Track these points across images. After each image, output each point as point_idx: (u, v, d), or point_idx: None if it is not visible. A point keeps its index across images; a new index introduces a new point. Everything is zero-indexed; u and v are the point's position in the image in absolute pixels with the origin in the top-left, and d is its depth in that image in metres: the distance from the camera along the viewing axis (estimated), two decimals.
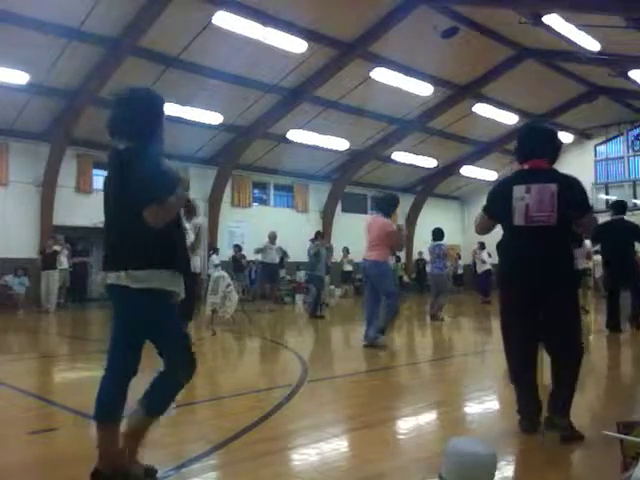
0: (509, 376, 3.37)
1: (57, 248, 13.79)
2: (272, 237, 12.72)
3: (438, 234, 10.39)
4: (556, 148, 3.38)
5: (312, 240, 11.43)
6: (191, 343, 2.66)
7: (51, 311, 12.57)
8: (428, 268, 10.61)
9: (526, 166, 3.31)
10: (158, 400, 2.55)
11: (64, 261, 14.00)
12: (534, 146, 3.30)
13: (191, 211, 6.92)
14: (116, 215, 2.51)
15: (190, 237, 6.69)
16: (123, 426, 2.55)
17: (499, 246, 3.41)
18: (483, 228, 3.51)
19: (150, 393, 2.53)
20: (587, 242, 12.84)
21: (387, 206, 7.10)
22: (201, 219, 7.19)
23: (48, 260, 12.85)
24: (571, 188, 3.19)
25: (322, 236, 11.61)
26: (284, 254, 14.32)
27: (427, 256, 10.82)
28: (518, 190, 3.18)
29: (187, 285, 6.54)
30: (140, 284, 2.40)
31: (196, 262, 7.00)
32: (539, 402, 3.27)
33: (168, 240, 2.48)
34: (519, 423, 3.27)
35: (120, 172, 2.45)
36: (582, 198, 3.24)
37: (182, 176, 2.61)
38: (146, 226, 2.34)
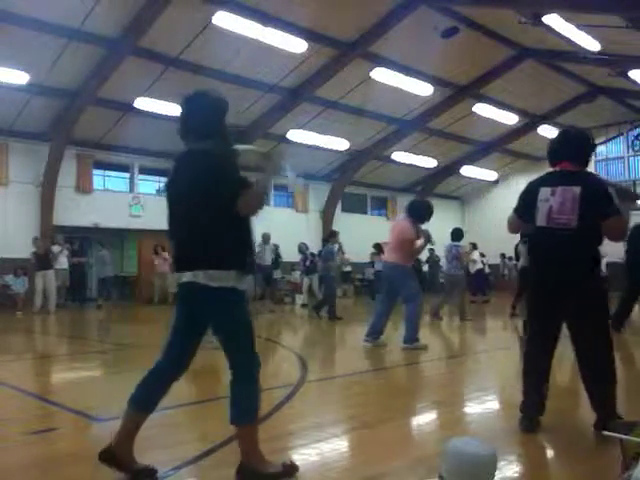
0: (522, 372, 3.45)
1: (57, 248, 13.79)
2: (266, 238, 12.70)
3: (457, 234, 10.37)
4: (586, 151, 3.40)
5: (325, 240, 11.27)
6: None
7: (52, 311, 12.54)
8: (444, 268, 10.55)
9: (557, 168, 3.35)
10: (248, 405, 2.59)
11: (64, 261, 13.99)
12: (562, 149, 3.36)
13: None
14: (191, 215, 2.55)
15: None
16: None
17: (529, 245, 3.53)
18: (513, 227, 3.60)
19: (237, 404, 2.58)
20: None
21: (416, 212, 6.89)
22: None
23: (43, 260, 12.79)
24: (594, 191, 3.16)
25: (335, 235, 11.35)
26: (277, 255, 14.33)
27: (443, 256, 10.74)
28: (544, 192, 3.26)
29: None
30: (218, 282, 2.47)
31: None
32: (543, 403, 3.32)
33: (241, 241, 2.57)
34: (520, 422, 3.28)
35: (198, 172, 2.52)
36: (604, 201, 3.14)
37: (272, 152, 2.79)
38: (223, 227, 2.48)
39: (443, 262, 10.94)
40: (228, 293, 2.50)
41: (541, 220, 3.23)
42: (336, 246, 11.30)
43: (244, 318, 2.60)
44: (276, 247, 15.43)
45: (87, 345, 8.18)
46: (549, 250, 3.24)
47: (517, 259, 11.89)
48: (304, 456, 2.94)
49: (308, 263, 13.67)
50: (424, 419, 3.62)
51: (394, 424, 3.67)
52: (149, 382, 2.67)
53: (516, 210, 3.50)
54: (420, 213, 6.93)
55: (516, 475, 2.68)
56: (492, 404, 4.24)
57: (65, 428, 3.49)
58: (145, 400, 2.65)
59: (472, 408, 4.03)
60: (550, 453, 3.02)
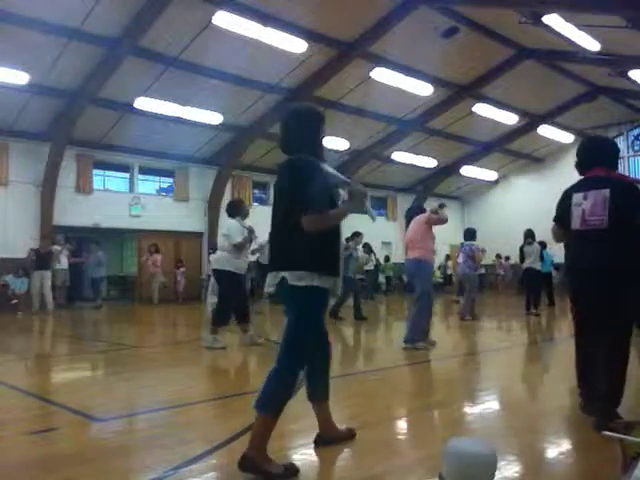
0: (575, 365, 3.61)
1: (57, 248, 13.79)
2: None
3: (470, 234, 10.38)
4: (613, 156, 3.63)
5: (347, 240, 11.09)
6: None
7: (50, 311, 12.51)
8: (459, 268, 10.53)
9: (588, 175, 3.53)
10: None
11: (64, 261, 14.00)
12: (591, 157, 3.56)
13: (240, 211, 6.90)
14: (281, 220, 2.79)
15: (236, 239, 6.64)
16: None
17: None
18: (557, 236, 3.81)
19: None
20: None
21: (421, 212, 7.12)
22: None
23: (43, 260, 12.77)
24: (623, 193, 3.31)
25: (357, 236, 11.16)
26: None
27: (460, 256, 10.71)
28: (577, 197, 3.47)
29: (237, 288, 6.45)
30: (302, 282, 2.67)
31: (242, 264, 6.90)
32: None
33: (325, 245, 2.74)
34: (581, 406, 3.51)
35: (284, 182, 2.76)
36: (633, 203, 3.28)
37: (356, 189, 2.82)
38: (304, 232, 2.64)
39: (458, 262, 10.83)
40: (308, 290, 2.70)
41: (575, 223, 3.45)
42: (359, 247, 11.05)
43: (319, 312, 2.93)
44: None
45: (87, 345, 8.18)
46: (584, 251, 3.42)
47: (522, 261, 11.92)
48: (304, 456, 2.94)
49: None
50: (424, 419, 3.62)
51: (394, 424, 3.67)
52: (309, 378, 3.08)
53: (555, 219, 3.75)
54: (421, 211, 7.19)
55: (516, 475, 2.68)
56: (492, 404, 4.24)
57: (65, 428, 3.49)
58: (314, 391, 3.09)
59: (472, 408, 4.03)
60: (550, 453, 3.02)
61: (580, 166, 3.62)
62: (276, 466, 2.60)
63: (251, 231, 6.81)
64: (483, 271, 17.73)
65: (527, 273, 11.72)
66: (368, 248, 18.01)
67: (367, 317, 10.50)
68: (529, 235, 11.75)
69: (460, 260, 10.56)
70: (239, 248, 6.69)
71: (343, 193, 2.86)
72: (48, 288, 12.82)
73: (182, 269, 16.68)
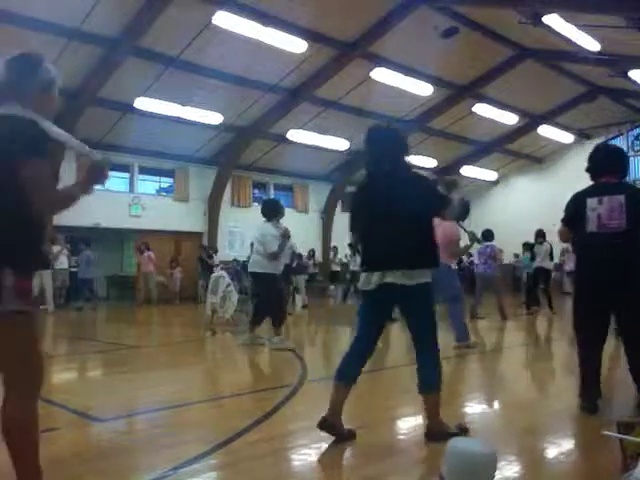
0: (578, 362, 3.75)
1: (57, 248, 13.77)
2: (286, 234, 12.47)
3: (489, 234, 10.37)
4: (625, 164, 3.90)
5: None
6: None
7: (50, 311, 12.50)
8: (478, 269, 10.52)
9: (601, 180, 3.76)
10: (434, 377, 3.14)
11: (64, 261, 13.98)
12: (604, 164, 3.81)
13: (277, 214, 6.81)
14: (392, 224, 3.09)
15: (272, 247, 6.53)
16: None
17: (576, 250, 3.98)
18: (565, 237, 4.05)
19: (424, 374, 3.15)
20: None
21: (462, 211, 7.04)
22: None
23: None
24: (636, 199, 3.58)
25: None
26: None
27: (476, 257, 10.70)
28: (591, 202, 3.68)
29: (275, 289, 6.44)
30: (415, 280, 3.03)
31: (279, 265, 6.88)
32: (599, 388, 3.65)
33: (433, 245, 3.19)
34: (581, 406, 3.60)
35: (396, 190, 3.10)
36: None
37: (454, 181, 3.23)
38: (423, 235, 3.12)
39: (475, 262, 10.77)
40: (420, 287, 3.08)
41: (592, 227, 3.65)
42: None
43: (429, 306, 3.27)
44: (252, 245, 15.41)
45: (87, 345, 8.18)
46: (602, 252, 3.61)
47: (532, 259, 12.09)
48: (304, 456, 2.94)
49: (294, 264, 13.42)
50: (424, 419, 3.62)
51: (394, 424, 3.67)
52: (349, 361, 3.28)
53: (564, 220, 3.93)
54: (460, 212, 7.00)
55: (516, 475, 2.68)
56: (492, 404, 4.24)
57: (65, 428, 3.49)
58: (349, 374, 3.24)
59: (472, 408, 4.03)
60: (550, 453, 3.02)
61: (592, 172, 3.85)
62: (452, 427, 3.11)
63: (286, 235, 6.69)
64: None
65: (537, 272, 11.89)
66: (354, 249, 18.05)
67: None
68: (540, 235, 11.94)
69: (477, 261, 10.55)
70: (274, 256, 6.60)
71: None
72: (49, 287, 12.75)
73: (177, 269, 16.63)
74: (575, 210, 3.78)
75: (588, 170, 3.89)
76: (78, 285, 14.53)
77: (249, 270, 7.09)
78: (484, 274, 10.40)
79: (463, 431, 3.10)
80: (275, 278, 6.80)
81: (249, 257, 16.32)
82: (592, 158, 3.91)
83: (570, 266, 11.95)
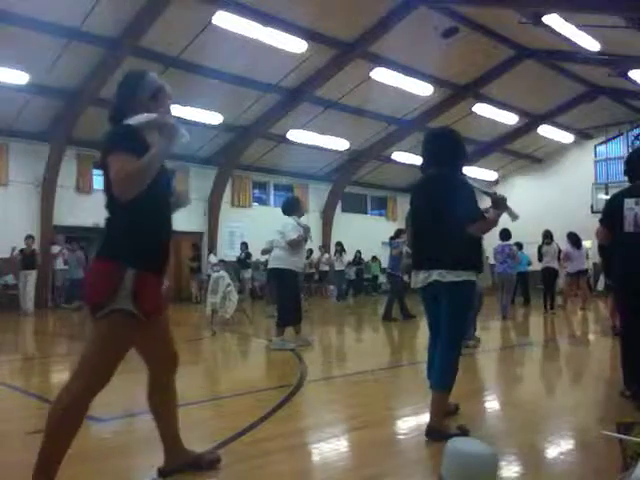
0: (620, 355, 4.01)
1: (56, 248, 13.77)
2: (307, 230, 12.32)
3: (506, 234, 10.38)
4: None
5: (392, 238, 10.82)
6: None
7: (29, 313, 12.24)
8: (498, 269, 10.54)
9: (638, 182, 3.95)
10: (448, 374, 3.19)
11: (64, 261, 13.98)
12: None
13: (297, 210, 6.92)
14: (436, 226, 3.24)
15: (291, 235, 6.59)
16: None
17: (607, 249, 4.23)
18: (602, 237, 4.16)
19: (439, 372, 3.21)
20: (585, 244, 13.06)
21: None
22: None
23: (28, 260, 12.63)
24: None
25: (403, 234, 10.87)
26: (247, 253, 14.21)
27: (492, 257, 10.73)
28: (629, 202, 3.85)
29: (295, 286, 6.45)
30: (459, 278, 3.17)
31: (300, 263, 6.92)
32: None
33: (475, 247, 3.33)
34: (628, 393, 3.82)
35: (439, 193, 3.26)
36: None
37: (498, 197, 3.37)
38: (465, 236, 3.19)
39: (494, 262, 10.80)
40: (464, 285, 3.22)
41: (629, 226, 3.82)
42: (402, 245, 10.76)
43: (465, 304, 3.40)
44: (245, 245, 15.73)
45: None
46: (638, 251, 3.79)
47: (540, 259, 12.16)
48: (304, 456, 2.94)
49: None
50: (424, 419, 3.62)
51: (394, 424, 3.67)
52: (429, 362, 3.38)
53: (602, 221, 4.12)
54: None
55: (516, 475, 2.68)
56: (492, 404, 4.25)
57: None
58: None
59: (472, 408, 4.03)
60: (550, 453, 3.02)
61: (630, 174, 4.05)
62: (453, 428, 3.18)
63: (307, 230, 6.77)
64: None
65: (545, 272, 11.96)
66: (340, 247, 18.02)
67: (413, 316, 10.24)
68: (547, 235, 12.08)
69: (494, 261, 10.56)
70: (293, 245, 6.62)
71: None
72: (31, 287, 12.60)
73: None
74: (613, 209, 3.95)
75: (626, 173, 4.09)
76: (71, 286, 14.35)
77: (270, 267, 6.97)
78: (504, 274, 10.46)
79: (463, 432, 3.13)
80: (297, 275, 6.85)
81: (239, 257, 16.40)
82: (629, 161, 4.12)
83: (572, 267, 12.01)
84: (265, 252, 7.82)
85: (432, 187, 3.33)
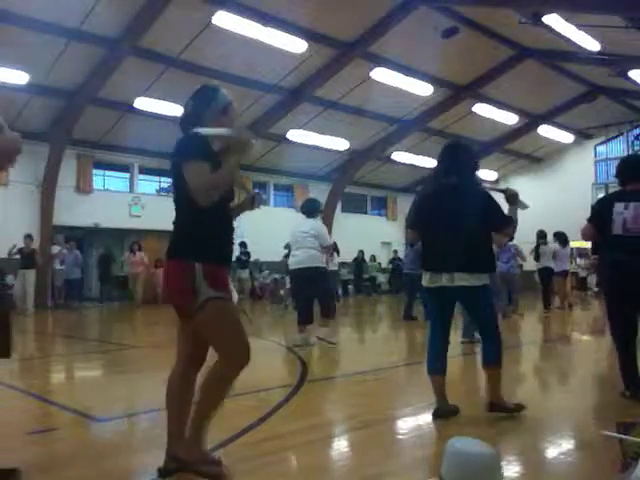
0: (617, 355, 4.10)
1: (56, 248, 13.76)
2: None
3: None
4: None
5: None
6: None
7: (29, 314, 12.07)
8: (501, 268, 10.55)
9: (628, 187, 4.04)
10: (494, 354, 3.55)
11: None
12: (632, 172, 4.06)
13: (320, 211, 7.27)
14: (455, 232, 3.46)
15: (328, 241, 6.93)
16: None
17: (599, 250, 4.29)
18: (588, 236, 4.26)
19: (485, 353, 3.60)
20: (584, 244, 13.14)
21: None
22: None
23: (27, 259, 12.55)
24: None
25: None
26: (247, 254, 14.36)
27: (502, 256, 10.74)
28: (618, 206, 3.95)
29: (326, 282, 6.50)
30: (481, 282, 3.46)
31: (334, 262, 7.23)
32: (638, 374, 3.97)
33: (490, 253, 3.65)
34: (628, 393, 3.90)
35: (466, 200, 3.51)
36: None
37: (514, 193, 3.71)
38: (488, 241, 3.60)
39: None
40: (485, 289, 3.54)
41: (617, 229, 3.92)
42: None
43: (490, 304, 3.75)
44: (244, 245, 15.72)
45: (86, 345, 8.18)
46: (626, 253, 3.89)
47: (537, 259, 12.19)
48: (304, 456, 2.94)
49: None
50: (424, 419, 3.62)
51: (394, 424, 3.67)
52: (435, 354, 3.65)
53: (590, 220, 4.19)
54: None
55: (516, 475, 2.67)
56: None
57: (65, 428, 3.49)
58: (438, 367, 3.61)
59: (472, 408, 4.02)
60: (550, 453, 3.02)
61: (621, 177, 4.14)
62: (509, 402, 3.55)
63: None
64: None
65: (542, 272, 12.00)
66: (334, 247, 17.92)
67: (414, 318, 10.12)
68: (543, 236, 12.19)
69: (500, 261, 10.56)
70: (329, 249, 7.07)
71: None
72: (31, 287, 12.49)
73: (161, 269, 16.47)
74: (602, 211, 4.06)
75: (617, 176, 4.18)
76: (67, 286, 14.31)
77: (306, 266, 6.90)
78: (507, 273, 10.44)
79: (519, 407, 3.53)
80: (327, 272, 7.19)
81: (238, 257, 16.39)
82: (621, 166, 4.21)
83: (560, 266, 12.11)
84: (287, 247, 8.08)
85: (457, 195, 3.54)
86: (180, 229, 2.57)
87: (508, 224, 3.58)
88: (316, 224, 6.98)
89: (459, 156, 3.66)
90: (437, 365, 3.62)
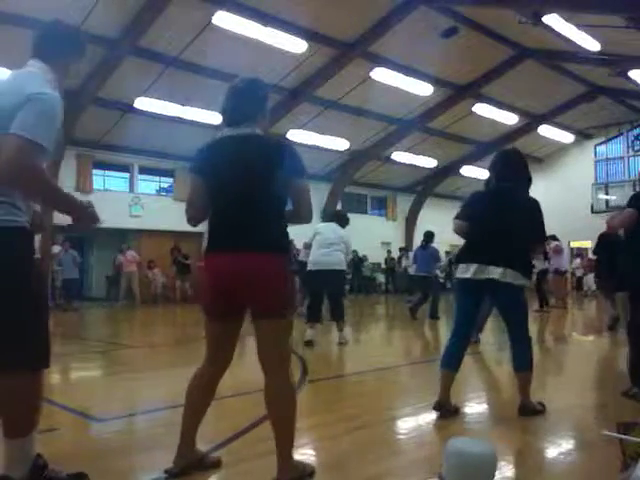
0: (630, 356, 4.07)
1: (56, 248, 13.75)
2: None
3: None
4: None
5: (426, 242, 10.37)
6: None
7: None
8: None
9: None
10: (526, 359, 3.61)
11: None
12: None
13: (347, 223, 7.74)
14: (501, 233, 3.57)
15: (352, 248, 7.84)
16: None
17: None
18: (628, 222, 4.06)
19: (517, 358, 3.63)
20: (585, 244, 13.22)
21: None
22: None
23: None
24: None
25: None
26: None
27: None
28: None
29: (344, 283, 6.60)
30: (519, 281, 3.53)
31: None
32: None
33: (528, 255, 3.75)
34: (634, 390, 3.88)
35: (510, 203, 3.65)
36: None
37: None
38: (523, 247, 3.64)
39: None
40: (521, 290, 3.64)
41: None
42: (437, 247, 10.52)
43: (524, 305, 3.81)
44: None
45: (86, 345, 8.18)
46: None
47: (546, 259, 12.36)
48: (304, 456, 2.94)
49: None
50: (424, 419, 3.62)
51: (394, 424, 3.67)
52: (452, 350, 3.70)
53: (634, 205, 4.17)
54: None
55: (516, 475, 2.67)
56: (492, 404, 4.24)
57: (65, 428, 3.49)
58: (452, 362, 3.67)
59: (472, 408, 4.02)
60: (550, 453, 3.02)
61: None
62: (539, 404, 3.67)
63: None
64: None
65: (538, 273, 12.09)
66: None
67: (415, 319, 10.12)
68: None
69: None
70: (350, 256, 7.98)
71: None
72: None
73: (155, 270, 16.52)
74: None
75: None
76: (64, 287, 14.25)
77: (335, 268, 7.23)
78: None
79: (542, 406, 3.66)
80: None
81: None
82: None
83: (558, 265, 12.21)
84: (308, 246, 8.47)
85: (506, 201, 3.67)
86: (279, 225, 2.59)
87: (542, 243, 3.83)
88: (347, 235, 7.50)
89: (517, 164, 3.80)
90: (451, 361, 3.69)
